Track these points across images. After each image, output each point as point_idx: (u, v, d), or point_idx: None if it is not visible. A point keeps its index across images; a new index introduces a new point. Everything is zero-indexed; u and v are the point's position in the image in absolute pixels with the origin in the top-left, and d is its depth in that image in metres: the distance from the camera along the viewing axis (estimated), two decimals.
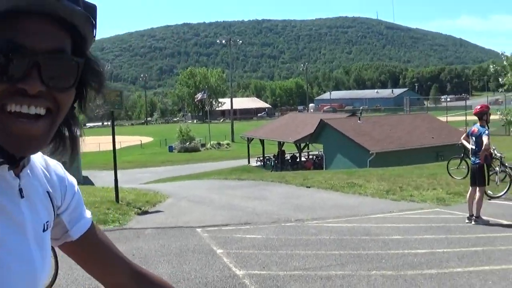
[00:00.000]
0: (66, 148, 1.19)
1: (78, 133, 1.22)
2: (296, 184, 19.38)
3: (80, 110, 1.19)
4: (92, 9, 1.09)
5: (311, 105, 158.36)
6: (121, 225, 11.38)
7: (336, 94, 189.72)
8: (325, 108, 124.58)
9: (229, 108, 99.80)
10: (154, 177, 38.41)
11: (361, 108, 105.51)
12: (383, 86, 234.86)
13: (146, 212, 13.39)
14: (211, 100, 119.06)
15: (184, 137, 68.29)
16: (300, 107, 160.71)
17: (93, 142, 66.91)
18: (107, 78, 1.18)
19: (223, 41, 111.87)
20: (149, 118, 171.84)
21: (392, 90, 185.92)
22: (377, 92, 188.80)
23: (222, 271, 7.29)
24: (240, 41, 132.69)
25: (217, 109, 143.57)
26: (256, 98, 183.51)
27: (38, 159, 1.29)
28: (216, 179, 25.27)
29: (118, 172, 15.19)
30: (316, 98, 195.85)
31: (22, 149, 1.05)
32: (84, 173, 41.43)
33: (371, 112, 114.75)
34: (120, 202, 14.25)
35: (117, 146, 15.55)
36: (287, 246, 8.94)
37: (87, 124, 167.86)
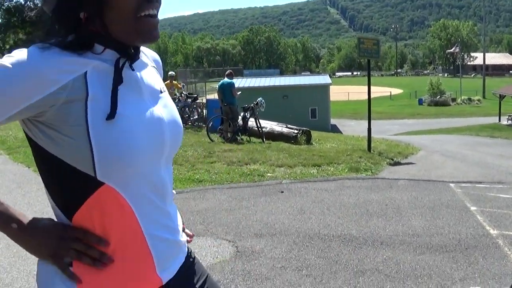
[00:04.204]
0: None
1: None
2: None
3: None
4: None
5: None
6: (373, 174, 11.27)
7: None
8: None
9: (481, 63, 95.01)
10: (403, 129, 37.97)
11: None
12: None
13: (398, 163, 13.16)
14: (462, 54, 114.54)
15: (434, 91, 66.74)
16: None
17: (342, 91, 68.03)
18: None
19: None
20: (399, 70, 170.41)
21: None
22: None
23: (475, 228, 6.89)
24: None
25: (468, 63, 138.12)
26: (508, 55, 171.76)
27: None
28: (467, 135, 24.20)
29: (367, 122, 15.12)
30: None
31: (154, 37, 1.44)
32: (333, 121, 42.30)
33: None
34: (372, 151, 14.20)
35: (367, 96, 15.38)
36: None
37: (336, 74, 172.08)
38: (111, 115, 1.34)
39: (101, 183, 1.36)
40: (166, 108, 1.54)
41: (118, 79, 1.39)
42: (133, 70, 1.46)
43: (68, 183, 1.38)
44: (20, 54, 1.30)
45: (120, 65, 1.41)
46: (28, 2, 61.13)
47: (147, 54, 1.66)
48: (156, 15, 1.43)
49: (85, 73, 1.35)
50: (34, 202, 8.07)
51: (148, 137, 1.41)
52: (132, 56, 1.46)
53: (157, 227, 1.49)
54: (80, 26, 1.39)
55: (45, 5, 1.41)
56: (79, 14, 1.38)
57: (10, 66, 1.27)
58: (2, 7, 60.16)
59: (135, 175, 1.40)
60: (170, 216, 1.57)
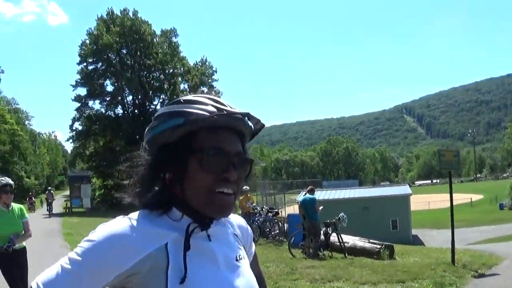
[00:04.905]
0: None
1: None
2: None
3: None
4: (260, 127, 1.68)
5: None
6: None
7: None
8: None
9: None
10: (484, 236, 36.89)
11: None
12: None
13: (482, 275, 12.92)
14: None
15: None
16: None
17: (422, 201, 67.05)
18: None
19: None
20: (478, 175, 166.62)
21: None
22: None
23: None
24: None
25: None
26: None
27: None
28: None
29: (448, 231, 14.96)
30: None
31: (224, 213, 1.57)
32: (414, 232, 41.56)
33: None
34: (456, 264, 13.97)
35: (448, 204, 15.28)
36: None
37: (416, 182, 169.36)
38: (183, 279, 1.45)
39: None
40: (242, 277, 1.62)
41: (186, 246, 1.50)
42: (210, 240, 1.59)
43: None
44: (109, 227, 1.48)
45: (190, 231, 1.52)
46: (109, 111, 64.56)
47: (233, 220, 1.78)
48: (231, 194, 1.54)
49: (166, 244, 1.49)
50: None
51: None
52: (205, 225, 1.57)
53: None
54: (164, 186, 1.58)
55: (146, 151, 1.61)
56: (165, 175, 1.57)
57: (101, 240, 1.44)
58: (83, 114, 63.59)
59: None
60: None
